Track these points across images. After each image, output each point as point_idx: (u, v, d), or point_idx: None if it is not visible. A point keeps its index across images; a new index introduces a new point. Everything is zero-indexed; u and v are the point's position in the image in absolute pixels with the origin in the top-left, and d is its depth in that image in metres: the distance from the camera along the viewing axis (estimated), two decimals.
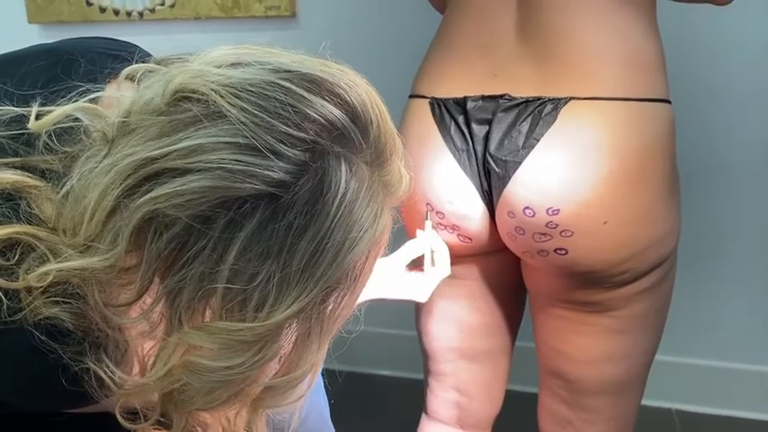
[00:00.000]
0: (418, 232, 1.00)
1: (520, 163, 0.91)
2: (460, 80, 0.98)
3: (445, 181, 0.97)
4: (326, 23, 1.96)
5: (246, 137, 0.52)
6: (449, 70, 1.00)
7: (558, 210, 0.90)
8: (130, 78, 0.63)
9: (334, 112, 0.55)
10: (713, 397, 1.89)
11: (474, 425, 1.16)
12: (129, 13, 2.07)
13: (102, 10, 2.09)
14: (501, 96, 0.93)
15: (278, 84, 0.55)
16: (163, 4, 2.03)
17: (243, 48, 0.60)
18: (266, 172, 0.52)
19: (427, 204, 0.99)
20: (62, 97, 0.62)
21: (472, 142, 0.95)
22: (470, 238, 1.00)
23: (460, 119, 0.96)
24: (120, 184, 0.53)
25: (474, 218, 0.98)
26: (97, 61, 0.68)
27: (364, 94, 0.58)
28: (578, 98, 0.89)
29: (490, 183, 0.95)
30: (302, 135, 0.53)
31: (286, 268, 0.53)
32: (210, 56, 0.58)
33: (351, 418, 1.90)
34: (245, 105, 0.53)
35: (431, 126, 0.98)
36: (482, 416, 1.16)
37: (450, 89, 0.98)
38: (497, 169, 0.94)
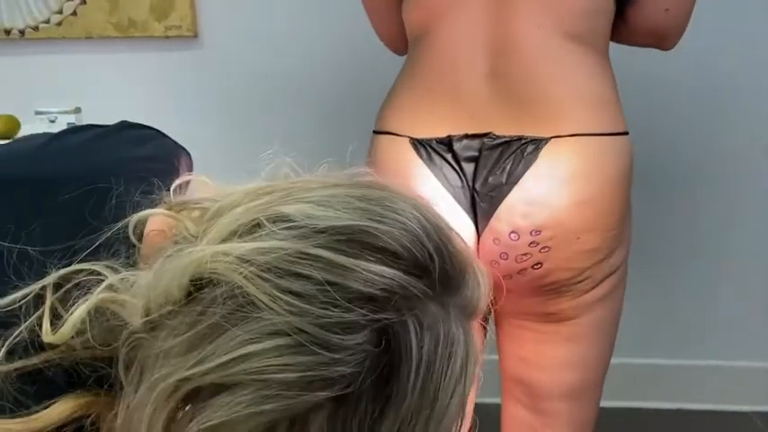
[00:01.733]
0: None
1: (504, 196, 0.99)
2: (438, 121, 1.03)
3: (445, 215, 1.01)
4: (230, 43, 1.93)
5: (289, 334, 0.44)
6: (424, 111, 1.05)
7: (540, 231, 0.99)
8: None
9: (385, 273, 0.46)
10: None
11: None
12: (7, 32, 1.91)
13: None
14: (485, 135, 1.00)
15: (309, 255, 0.46)
16: (48, 22, 1.90)
17: (260, 192, 0.52)
18: (323, 373, 0.44)
19: None
20: (86, 251, 0.54)
21: (465, 179, 1.01)
22: None
23: (449, 157, 1.01)
24: (162, 414, 0.46)
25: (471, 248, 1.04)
26: (126, 188, 0.59)
27: (414, 225, 0.49)
28: (560, 136, 0.98)
29: (477, 215, 1.02)
30: (354, 317, 0.44)
31: None
32: (224, 221, 0.50)
33: None
34: (276, 293, 0.44)
35: (419, 165, 1.02)
36: None
37: (430, 129, 1.03)
38: (483, 204, 1.00)
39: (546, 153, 0.98)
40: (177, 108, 1.94)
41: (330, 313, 0.44)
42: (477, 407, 1.32)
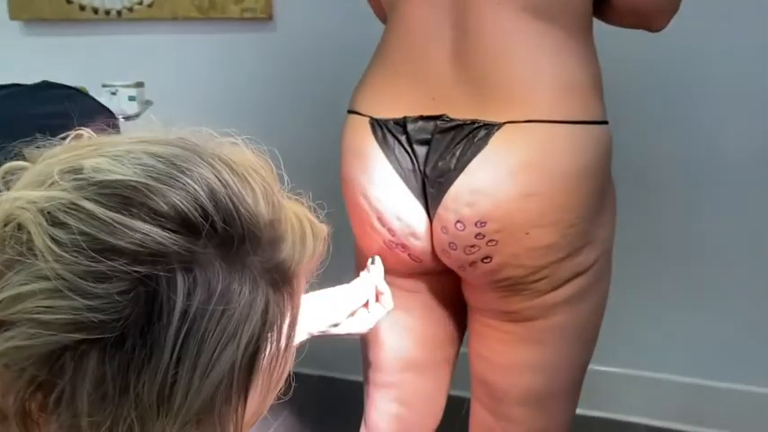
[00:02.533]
0: (362, 275, 1.01)
1: (451, 183, 0.93)
2: (400, 102, 0.99)
3: (393, 198, 0.99)
4: (303, 26, 1.97)
5: (49, 278, 0.47)
6: (388, 91, 1.01)
7: (486, 222, 0.92)
8: None
9: (144, 230, 0.48)
10: None
11: None
12: (107, 12, 2.08)
13: (82, 8, 2.10)
14: (439, 117, 0.95)
15: (76, 206, 0.48)
16: (141, 4, 2.05)
17: (79, 145, 0.54)
18: (77, 317, 0.46)
19: (370, 259, 1.02)
20: None
21: (417, 162, 0.96)
22: (420, 259, 1.02)
23: (403, 139, 0.97)
24: None
25: (420, 236, 1.00)
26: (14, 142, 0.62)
27: (199, 186, 0.50)
28: (515, 122, 0.91)
29: (428, 202, 0.97)
30: (103, 269, 0.47)
31: (140, 407, 0.48)
32: (38, 168, 0.53)
33: (327, 424, 1.94)
34: (45, 239, 0.47)
35: (373, 146, 0.99)
36: (424, 428, 1.17)
37: (391, 110, 0.99)
38: (431, 189, 0.95)
39: (497, 139, 0.91)
40: (249, 86, 2.02)
41: (81, 262, 0.47)
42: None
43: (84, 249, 0.47)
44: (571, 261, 0.96)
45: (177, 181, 0.50)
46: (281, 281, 0.53)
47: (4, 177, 0.60)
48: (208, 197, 0.50)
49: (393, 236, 1.01)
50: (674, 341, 1.88)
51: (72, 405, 0.48)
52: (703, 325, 1.84)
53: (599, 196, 0.96)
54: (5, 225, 0.49)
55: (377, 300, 1.00)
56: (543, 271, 0.95)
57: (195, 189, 0.50)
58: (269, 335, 0.53)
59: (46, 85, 0.83)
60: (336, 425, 1.87)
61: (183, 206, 0.49)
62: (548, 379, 1.04)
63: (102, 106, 0.83)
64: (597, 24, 1.00)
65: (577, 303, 1.00)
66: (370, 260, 1.00)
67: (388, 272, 1.01)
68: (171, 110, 1.74)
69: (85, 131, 0.65)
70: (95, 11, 2.09)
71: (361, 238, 1.08)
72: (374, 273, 1.00)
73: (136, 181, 0.49)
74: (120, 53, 2.08)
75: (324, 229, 0.59)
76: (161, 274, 0.48)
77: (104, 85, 1.67)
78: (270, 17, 1.97)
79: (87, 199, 0.48)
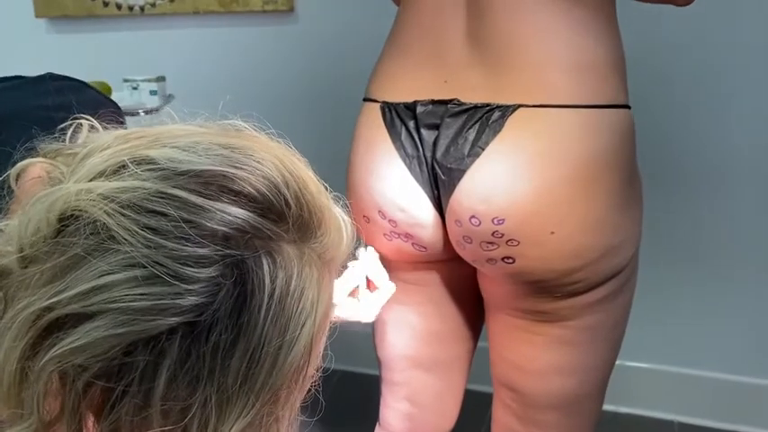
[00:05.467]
0: (353, 262, 0.98)
1: (464, 171, 0.89)
2: (412, 85, 0.95)
3: (396, 188, 0.94)
4: (325, 19, 1.94)
5: (145, 266, 0.47)
6: (400, 75, 0.98)
7: (504, 219, 0.87)
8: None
9: (238, 214, 0.49)
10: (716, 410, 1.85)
11: None
12: (131, 8, 2.08)
13: (106, 4, 2.10)
14: (450, 101, 0.91)
15: (167, 194, 0.49)
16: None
17: (130, 137, 0.55)
18: (176, 301, 0.47)
19: (358, 239, 0.97)
20: None
21: (422, 148, 0.92)
22: (425, 247, 0.98)
23: (411, 124, 0.93)
24: (21, 343, 0.48)
25: (426, 226, 0.96)
26: (20, 135, 0.63)
27: (273, 173, 0.52)
28: (527, 106, 0.86)
29: (439, 190, 0.93)
30: (207, 252, 0.48)
31: (222, 389, 0.49)
32: (93, 161, 0.53)
33: (347, 417, 1.92)
34: (135, 228, 0.48)
35: (381, 131, 0.96)
36: (435, 428, 1.13)
37: (402, 94, 0.95)
38: (443, 177, 0.91)
39: (513, 124, 0.86)
40: (272, 79, 2.00)
41: (183, 247, 0.48)
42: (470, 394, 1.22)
43: (186, 235, 0.48)
44: (608, 262, 0.90)
45: (255, 168, 0.52)
46: (325, 266, 0.56)
47: (18, 176, 0.60)
48: (282, 183, 0.52)
49: (395, 227, 0.97)
50: (709, 337, 1.82)
51: (146, 393, 0.48)
52: (739, 321, 1.78)
53: (625, 185, 0.90)
54: (66, 219, 0.49)
55: (369, 288, 0.96)
56: (577, 274, 0.89)
57: (271, 175, 0.52)
58: (323, 327, 0.56)
59: (49, 77, 0.82)
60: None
61: (266, 191, 0.51)
62: (580, 381, 0.98)
63: (108, 99, 0.82)
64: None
65: (611, 301, 0.94)
66: (361, 248, 0.96)
67: (390, 266, 0.97)
68: (192, 104, 1.74)
69: (87, 120, 0.65)
70: (119, 6, 2.09)
71: (361, 228, 1.04)
72: (364, 260, 0.95)
73: (220, 169, 0.50)
74: (143, 48, 2.08)
75: (353, 225, 0.61)
76: (249, 256, 0.49)
77: (126, 80, 1.67)
78: (292, 9, 1.94)
79: (177, 187, 0.49)
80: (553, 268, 0.88)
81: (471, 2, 0.91)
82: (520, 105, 0.87)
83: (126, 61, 2.06)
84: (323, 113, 1.98)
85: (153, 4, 2.06)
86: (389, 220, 0.97)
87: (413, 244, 0.98)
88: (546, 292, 0.92)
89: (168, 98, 1.68)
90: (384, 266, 0.95)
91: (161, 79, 1.68)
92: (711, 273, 1.77)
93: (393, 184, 0.95)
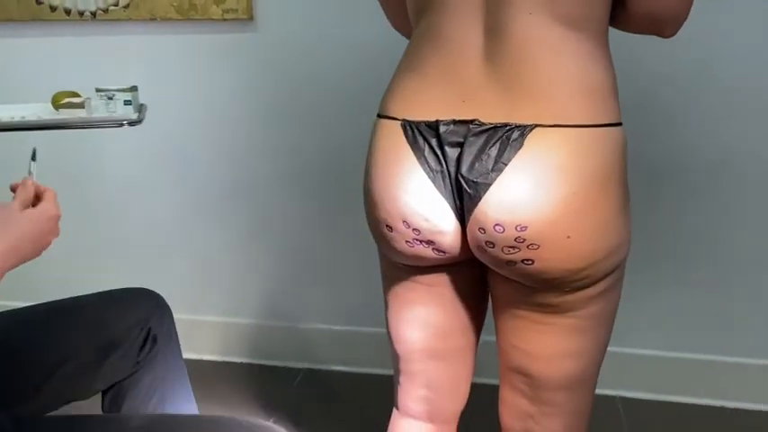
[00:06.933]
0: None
1: (489, 185, 1.00)
2: (431, 104, 1.05)
3: (421, 200, 1.04)
4: (284, 27, 1.99)
5: None
6: (419, 95, 1.07)
7: (526, 227, 0.98)
8: None
9: None
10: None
11: (442, 419, 1.26)
12: (81, 13, 2.05)
13: (53, 9, 2.07)
14: (471, 121, 1.01)
15: None
16: (116, 5, 2.03)
17: None
18: None
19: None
20: None
21: (446, 163, 1.03)
22: (444, 251, 1.09)
23: (434, 141, 1.03)
24: None
25: (448, 233, 1.06)
26: None
27: None
28: (543, 125, 0.98)
29: (462, 201, 1.03)
30: None
31: None
32: None
33: (313, 414, 1.98)
34: None
35: (404, 148, 1.05)
36: (449, 410, 1.26)
37: (422, 113, 1.05)
38: (469, 190, 1.01)
39: (530, 143, 0.98)
40: (231, 88, 2.03)
41: None
42: (480, 387, 1.36)
43: None
44: (610, 260, 1.04)
45: None
46: None
47: None
48: None
49: (418, 235, 1.07)
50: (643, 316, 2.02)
51: None
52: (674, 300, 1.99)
53: (623, 193, 1.04)
54: None
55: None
56: (584, 272, 1.02)
57: None
58: None
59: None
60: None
61: None
62: (586, 363, 1.12)
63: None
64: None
65: (610, 292, 1.09)
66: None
67: (407, 268, 1.07)
68: (151, 114, 1.76)
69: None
70: (67, 12, 2.06)
71: (380, 239, 1.13)
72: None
73: None
74: (95, 56, 2.06)
75: None
76: None
77: (98, 90, 1.66)
78: (251, 18, 1.98)
79: None
80: (567, 268, 1.01)
81: (490, 29, 1.01)
82: (537, 125, 0.98)
83: (75, 69, 2.04)
84: (282, 121, 2.03)
85: (105, 10, 2.04)
86: (413, 229, 1.07)
87: (433, 249, 1.09)
88: (557, 288, 1.04)
89: (142, 108, 1.69)
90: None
91: (134, 89, 1.69)
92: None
93: (417, 196, 1.05)
